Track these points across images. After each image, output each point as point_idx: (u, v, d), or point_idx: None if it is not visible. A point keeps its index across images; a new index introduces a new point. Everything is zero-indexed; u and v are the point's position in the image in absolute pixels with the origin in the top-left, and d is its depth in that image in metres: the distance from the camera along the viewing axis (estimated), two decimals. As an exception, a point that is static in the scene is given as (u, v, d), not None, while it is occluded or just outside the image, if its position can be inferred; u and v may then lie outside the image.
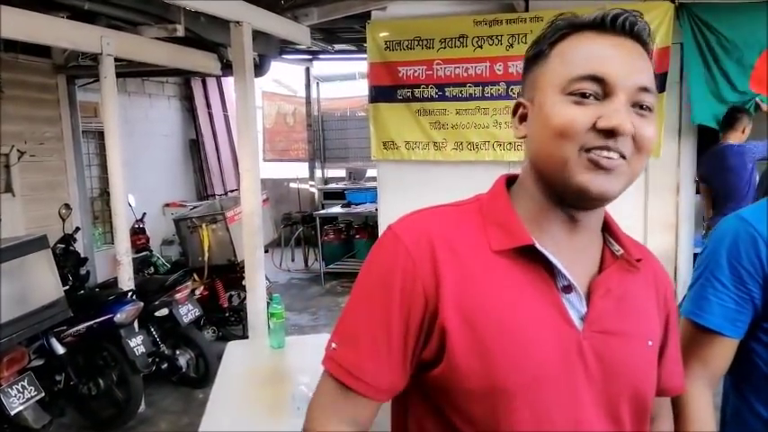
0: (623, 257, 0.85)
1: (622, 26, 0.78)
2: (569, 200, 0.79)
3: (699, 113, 4.80)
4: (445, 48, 5.28)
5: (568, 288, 0.79)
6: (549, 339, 0.77)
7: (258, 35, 4.20)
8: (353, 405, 0.79)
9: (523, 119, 0.84)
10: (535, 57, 0.83)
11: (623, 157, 0.75)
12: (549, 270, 0.79)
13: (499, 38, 5.11)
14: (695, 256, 4.66)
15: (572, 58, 0.77)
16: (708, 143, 5.01)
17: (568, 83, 0.76)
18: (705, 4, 4.65)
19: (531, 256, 0.78)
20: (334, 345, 0.81)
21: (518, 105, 0.86)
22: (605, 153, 0.74)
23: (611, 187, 0.75)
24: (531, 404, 0.75)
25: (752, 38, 4.51)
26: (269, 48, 4.97)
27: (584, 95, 0.75)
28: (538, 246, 0.78)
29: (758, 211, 1.12)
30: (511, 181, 0.89)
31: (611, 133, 0.73)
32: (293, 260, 7.95)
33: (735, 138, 4.56)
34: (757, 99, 4.58)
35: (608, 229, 0.88)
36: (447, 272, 0.77)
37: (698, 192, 5.05)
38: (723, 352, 1.12)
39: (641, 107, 0.76)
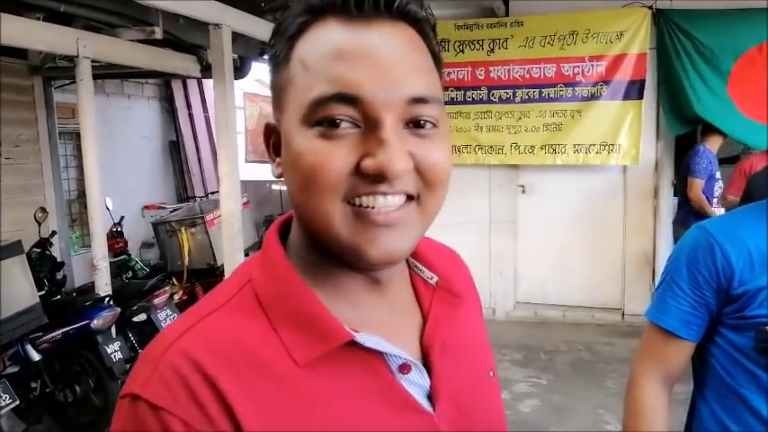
0: (441, 287, 0.67)
1: (374, 4, 0.54)
2: (347, 261, 0.57)
3: (674, 123, 4.88)
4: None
5: (405, 367, 0.60)
6: None
7: (238, 37, 4.18)
8: None
9: (278, 149, 0.60)
10: (274, 59, 0.59)
11: (410, 197, 0.56)
12: (375, 353, 0.58)
13: (480, 42, 5.14)
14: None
15: (313, 65, 0.55)
16: (687, 147, 5.10)
17: (311, 107, 0.53)
18: (682, 10, 4.72)
19: (346, 346, 0.57)
20: None
21: (269, 130, 0.62)
22: (381, 201, 0.54)
23: (397, 247, 0.55)
24: None
25: (728, 44, 4.59)
26: (249, 49, 4.94)
27: (334, 124, 0.53)
28: (358, 339, 0.57)
29: (720, 222, 1.19)
30: (286, 228, 0.65)
31: (380, 177, 0.53)
32: (275, 262, 7.91)
33: (713, 142, 4.64)
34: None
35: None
36: (245, 414, 0.51)
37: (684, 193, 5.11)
38: (678, 353, 1.18)
39: (419, 125, 0.55)
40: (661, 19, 4.77)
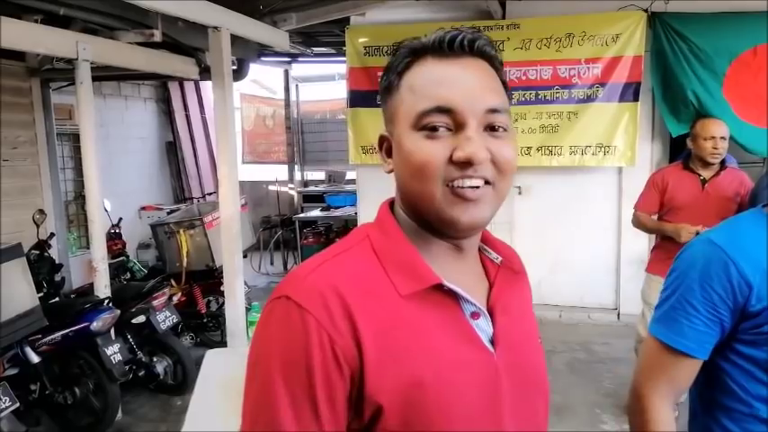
0: (504, 265, 0.87)
1: (461, 46, 0.77)
2: (443, 231, 0.79)
3: (673, 125, 4.90)
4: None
5: (476, 314, 0.79)
6: (473, 373, 0.76)
7: (237, 39, 4.19)
8: None
9: (390, 152, 0.83)
10: (387, 89, 0.81)
11: (487, 182, 0.75)
12: (454, 300, 0.78)
13: (477, 45, 5.17)
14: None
15: (418, 89, 0.76)
16: (683, 148, 5.14)
17: (418, 117, 0.75)
18: (677, 13, 4.76)
19: (435, 290, 0.77)
20: None
21: (382, 139, 0.84)
22: (468, 183, 0.74)
23: (480, 216, 0.76)
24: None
25: (723, 46, 4.63)
26: (247, 51, 4.95)
27: (434, 129, 0.74)
28: (446, 283, 0.77)
29: (727, 235, 1.14)
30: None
31: (468, 163, 0.73)
32: (272, 264, 7.92)
33: None
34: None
35: (481, 237, 0.88)
36: (366, 332, 0.71)
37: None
38: (690, 372, 1.16)
39: (494, 129, 0.76)
40: (656, 22, 4.80)
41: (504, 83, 0.80)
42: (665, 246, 3.27)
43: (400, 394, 0.71)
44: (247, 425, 0.73)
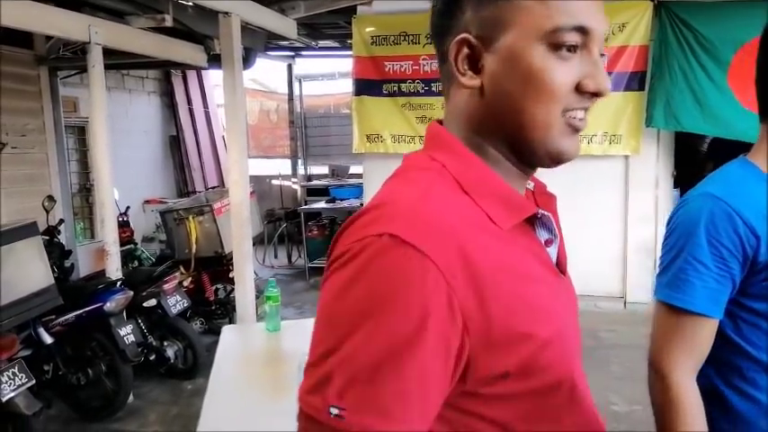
0: (540, 191, 0.82)
1: None
2: (539, 161, 0.72)
3: (659, 117, 4.91)
4: (431, 43, 5.34)
5: (550, 241, 0.76)
6: (557, 301, 0.73)
7: (244, 29, 4.21)
8: None
9: (472, 61, 0.70)
10: None
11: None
12: (531, 227, 0.74)
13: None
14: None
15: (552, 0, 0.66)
16: (687, 137, 5.18)
17: (552, 32, 0.65)
18: (683, 2, 4.79)
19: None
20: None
21: (462, 43, 0.69)
22: (580, 114, 0.69)
23: (578, 150, 0.72)
24: (566, 371, 0.72)
25: (728, 35, 4.66)
26: (255, 42, 4.97)
27: (569, 49, 0.66)
28: (541, 211, 0.73)
29: (724, 187, 1.10)
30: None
31: (596, 94, 0.68)
32: (276, 257, 7.92)
33: None
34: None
35: None
36: (484, 275, 0.62)
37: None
38: (709, 335, 1.08)
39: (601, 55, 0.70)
40: (662, 11, 4.84)
41: None
42: None
43: (518, 347, 0.64)
44: (363, 384, 0.57)
